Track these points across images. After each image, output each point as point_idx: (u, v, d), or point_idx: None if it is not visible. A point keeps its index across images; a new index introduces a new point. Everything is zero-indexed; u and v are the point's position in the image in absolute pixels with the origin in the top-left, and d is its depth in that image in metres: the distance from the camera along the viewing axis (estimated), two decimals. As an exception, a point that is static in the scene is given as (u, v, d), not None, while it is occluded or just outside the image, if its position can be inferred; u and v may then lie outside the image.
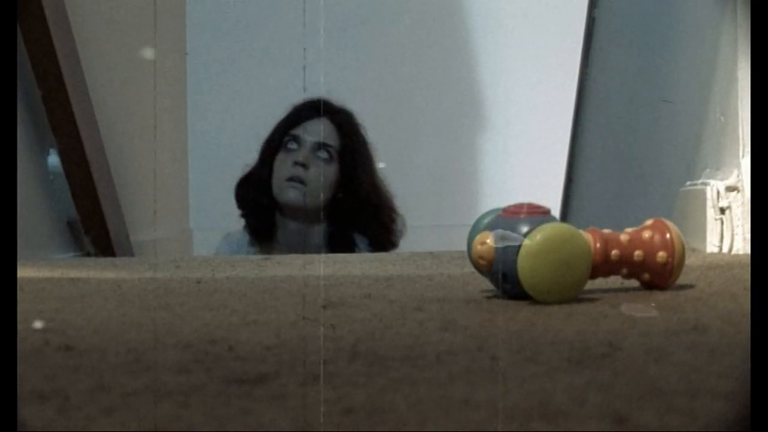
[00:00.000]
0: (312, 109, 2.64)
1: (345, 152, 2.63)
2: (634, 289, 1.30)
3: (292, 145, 2.62)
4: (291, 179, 2.58)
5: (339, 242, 2.61)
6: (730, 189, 1.69)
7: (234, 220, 2.73)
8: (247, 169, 2.70)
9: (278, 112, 2.71)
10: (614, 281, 1.31)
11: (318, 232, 2.61)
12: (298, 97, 2.68)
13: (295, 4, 3.76)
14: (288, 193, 2.59)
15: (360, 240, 2.63)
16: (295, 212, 2.60)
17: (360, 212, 2.62)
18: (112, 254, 2.40)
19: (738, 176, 1.69)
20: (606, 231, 1.28)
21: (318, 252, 2.57)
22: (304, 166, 2.58)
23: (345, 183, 2.62)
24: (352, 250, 2.60)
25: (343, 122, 2.66)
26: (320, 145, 2.60)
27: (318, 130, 2.62)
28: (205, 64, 3.82)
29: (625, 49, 2.43)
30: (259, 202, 2.64)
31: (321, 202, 2.58)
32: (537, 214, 1.23)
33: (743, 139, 1.67)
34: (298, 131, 2.63)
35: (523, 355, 0.93)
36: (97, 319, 1.17)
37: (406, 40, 3.88)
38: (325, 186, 2.59)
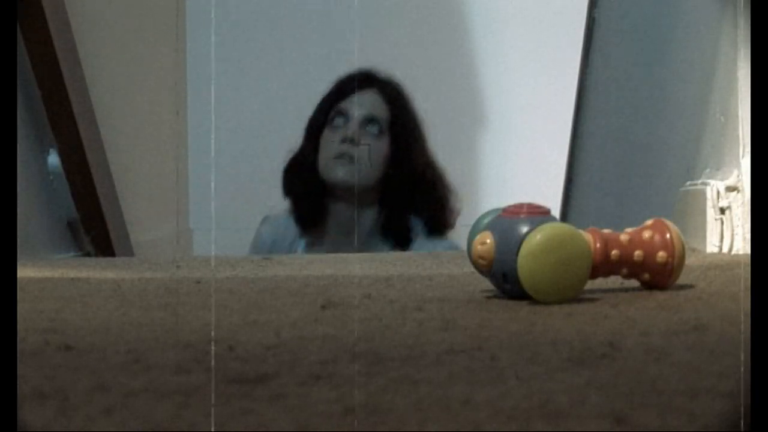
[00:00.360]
0: (358, 81, 2.46)
1: (395, 126, 2.44)
2: (634, 289, 1.30)
3: (339, 120, 2.43)
4: (339, 156, 2.40)
5: (393, 226, 2.43)
6: (730, 189, 1.69)
7: (274, 204, 2.54)
8: (292, 153, 2.51)
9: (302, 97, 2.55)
10: (614, 281, 1.31)
11: (369, 214, 2.42)
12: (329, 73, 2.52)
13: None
14: (336, 172, 2.40)
15: (416, 223, 2.44)
16: (344, 193, 2.41)
17: (414, 191, 2.43)
18: (112, 254, 2.40)
19: (738, 176, 1.69)
20: (606, 231, 1.28)
21: (368, 240, 2.40)
22: (352, 141, 2.40)
23: (397, 159, 2.43)
24: (408, 236, 2.43)
25: (393, 94, 2.48)
26: (369, 119, 2.43)
27: (366, 102, 2.44)
28: (206, 63, 3.82)
29: (625, 49, 2.43)
30: (306, 185, 2.45)
31: (372, 181, 2.40)
32: (537, 214, 1.23)
33: (743, 139, 1.67)
34: (344, 104, 2.44)
35: (523, 355, 0.93)
36: (97, 319, 1.17)
37: (406, 40, 3.88)
38: (377, 163, 2.40)
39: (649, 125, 2.19)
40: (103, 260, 2.20)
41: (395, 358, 0.92)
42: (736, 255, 1.66)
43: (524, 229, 1.20)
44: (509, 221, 1.22)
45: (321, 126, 2.44)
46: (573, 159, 2.85)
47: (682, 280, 1.30)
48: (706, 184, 1.73)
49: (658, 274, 1.28)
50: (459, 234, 2.47)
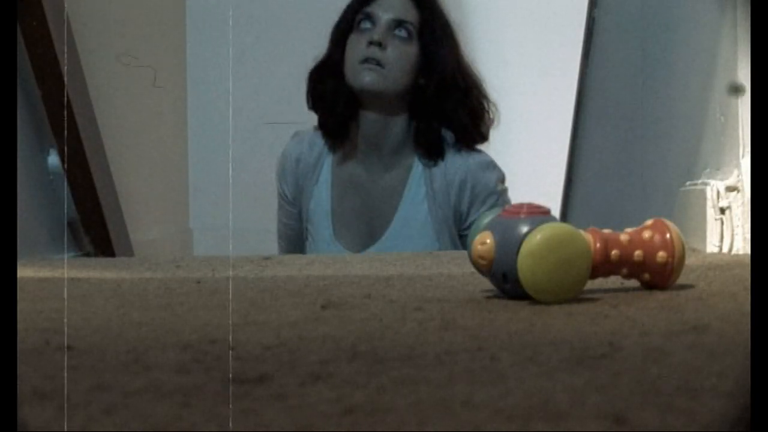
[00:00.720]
0: None
1: (425, 30, 2.31)
2: (634, 289, 1.30)
3: (366, 24, 2.30)
4: (366, 61, 2.27)
5: (424, 137, 2.30)
6: (730, 189, 1.69)
7: (304, 118, 2.41)
8: (318, 60, 2.37)
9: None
10: (614, 281, 1.31)
11: (399, 123, 2.31)
12: None
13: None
14: (363, 77, 2.26)
15: (448, 134, 2.33)
16: (372, 100, 2.28)
17: (445, 99, 2.30)
18: (112, 254, 2.40)
19: (738, 176, 1.69)
20: (606, 231, 1.28)
21: (399, 151, 2.30)
22: (380, 45, 2.27)
23: (427, 65, 2.30)
24: (439, 147, 2.30)
25: None
26: (397, 22, 2.30)
27: (394, 5, 2.32)
28: (206, 63, 3.82)
29: (625, 49, 2.43)
30: (332, 91, 2.31)
31: (400, 87, 2.27)
32: (537, 214, 1.23)
33: (743, 139, 1.67)
34: (371, 8, 2.31)
35: (523, 355, 0.93)
36: (97, 319, 1.17)
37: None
38: (405, 68, 2.28)
39: (650, 125, 2.19)
40: (103, 260, 2.20)
41: (395, 358, 0.92)
42: (736, 255, 1.66)
43: (524, 229, 1.20)
44: (509, 221, 1.22)
45: (348, 30, 2.33)
46: (573, 159, 2.85)
47: (682, 280, 1.30)
48: (706, 184, 1.73)
49: (658, 274, 1.28)
50: (494, 147, 2.40)
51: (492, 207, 2.27)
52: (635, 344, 0.98)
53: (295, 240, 2.40)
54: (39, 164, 2.27)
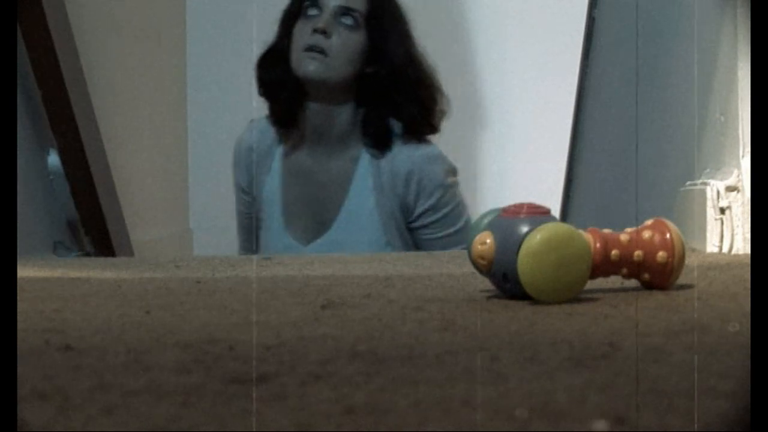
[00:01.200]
0: None
1: (374, 18, 2.26)
2: (634, 289, 1.30)
3: (312, 11, 2.25)
4: (309, 49, 2.22)
5: (372, 127, 2.26)
6: (730, 189, 1.69)
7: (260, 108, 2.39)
8: (266, 46, 2.35)
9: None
10: (614, 281, 1.31)
11: (346, 113, 2.27)
12: None
13: None
14: (306, 66, 2.22)
15: (397, 125, 2.28)
16: (316, 89, 2.25)
17: (394, 89, 2.25)
18: (112, 254, 2.40)
19: (738, 176, 1.69)
20: (606, 231, 1.28)
21: (345, 141, 2.27)
22: (324, 33, 2.22)
23: (375, 54, 2.25)
24: (388, 137, 2.26)
25: None
26: (344, 10, 2.26)
27: None
28: (206, 63, 3.82)
29: (625, 49, 2.43)
30: (279, 79, 2.28)
31: (346, 76, 2.23)
32: (537, 214, 1.23)
33: (743, 139, 1.67)
34: None
35: (523, 355, 0.93)
36: (97, 319, 1.17)
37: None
38: (351, 57, 2.23)
39: (649, 125, 2.19)
40: (103, 260, 2.20)
41: (395, 358, 0.92)
42: (736, 255, 1.66)
43: (524, 229, 1.20)
44: (509, 221, 1.22)
45: (295, 16, 2.28)
46: (573, 159, 2.85)
47: (682, 280, 1.30)
48: (706, 184, 1.73)
49: (658, 274, 1.28)
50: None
51: (439, 200, 2.26)
52: (635, 344, 0.98)
53: (251, 229, 2.38)
54: (39, 164, 2.27)
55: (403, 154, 2.27)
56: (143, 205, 2.90)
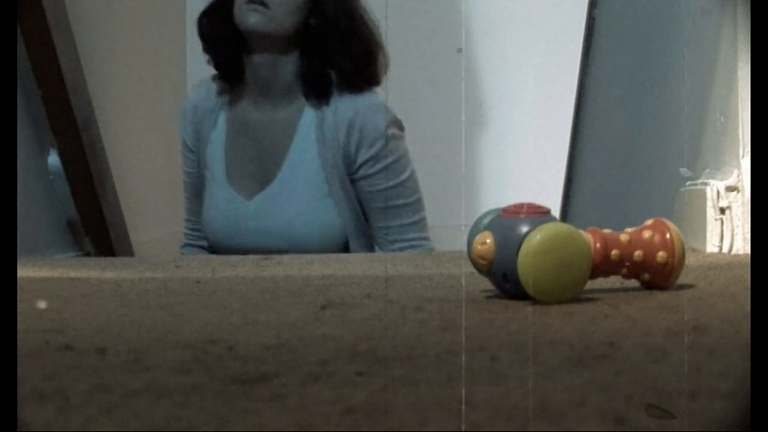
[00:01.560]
0: None
1: None
2: (634, 289, 1.30)
3: None
4: (251, 1, 2.22)
5: (312, 78, 2.27)
6: (730, 189, 1.69)
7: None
8: (209, 1, 2.33)
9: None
10: (614, 281, 1.31)
11: (289, 64, 2.27)
12: None
13: None
14: (248, 18, 2.23)
15: (335, 77, 2.29)
16: (259, 41, 2.25)
17: (329, 40, 2.26)
18: (112, 254, 2.40)
19: (738, 176, 1.69)
20: (606, 231, 1.28)
21: (288, 93, 2.27)
22: None
23: (316, 6, 2.26)
24: (327, 87, 2.26)
25: None
26: None
27: None
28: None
29: (625, 49, 2.43)
30: (221, 33, 2.28)
31: (288, 27, 2.23)
32: (537, 214, 1.23)
33: (743, 139, 1.67)
34: None
35: (523, 355, 0.93)
36: (97, 319, 1.17)
37: (405, 40, 3.89)
38: (292, 9, 2.24)
39: (649, 125, 2.19)
40: (103, 260, 2.20)
41: (395, 358, 0.92)
42: (736, 255, 1.66)
43: (524, 229, 1.20)
44: (509, 221, 1.22)
45: None
46: (573, 159, 2.85)
47: (682, 280, 1.30)
48: (706, 184, 1.73)
49: (658, 274, 1.28)
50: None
51: (380, 151, 2.25)
52: (635, 344, 0.98)
53: (196, 188, 2.39)
54: (39, 164, 2.27)
55: (346, 104, 2.27)
56: (143, 205, 2.90)
